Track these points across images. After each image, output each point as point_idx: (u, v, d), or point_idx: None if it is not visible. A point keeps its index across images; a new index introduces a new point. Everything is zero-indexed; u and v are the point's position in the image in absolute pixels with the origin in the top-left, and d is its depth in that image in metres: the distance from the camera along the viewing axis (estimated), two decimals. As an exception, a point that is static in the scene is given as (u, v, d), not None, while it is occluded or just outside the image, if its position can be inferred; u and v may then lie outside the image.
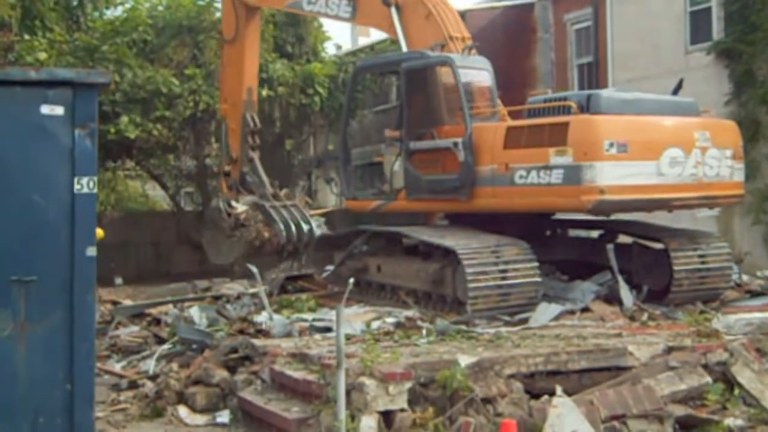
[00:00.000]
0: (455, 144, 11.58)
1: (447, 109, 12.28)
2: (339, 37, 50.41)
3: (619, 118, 10.84)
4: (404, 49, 13.35)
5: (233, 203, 15.28)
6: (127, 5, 24.65)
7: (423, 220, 13.57)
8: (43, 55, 20.52)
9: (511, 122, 11.80)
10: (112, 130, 20.73)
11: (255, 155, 15.64)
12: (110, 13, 24.71)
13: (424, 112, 12.47)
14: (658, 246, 12.03)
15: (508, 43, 24.18)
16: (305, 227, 14.86)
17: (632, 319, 10.73)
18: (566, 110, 11.05)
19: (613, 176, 10.47)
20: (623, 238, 12.82)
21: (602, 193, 10.43)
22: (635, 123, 10.89)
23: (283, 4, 15.93)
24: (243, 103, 15.55)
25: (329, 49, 28.99)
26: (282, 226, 14.85)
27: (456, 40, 13.04)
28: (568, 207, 11.24)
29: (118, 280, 22.04)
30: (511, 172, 11.06)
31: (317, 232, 14.63)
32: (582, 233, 14.22)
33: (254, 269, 12.01)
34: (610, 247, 11.84)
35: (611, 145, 10.45)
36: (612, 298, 11.46)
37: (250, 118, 15.49)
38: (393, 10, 13.74)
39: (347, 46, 35.25)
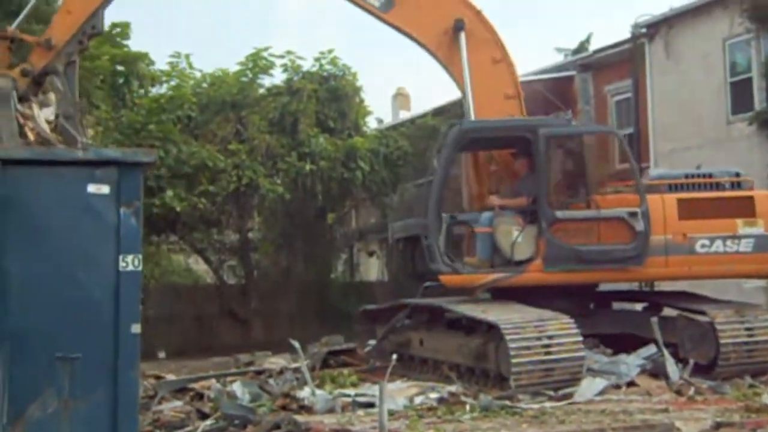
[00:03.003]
0: (632, 214, 11.77)
1: (598, 178, 12.54)
2: (380, 110, 50.85)
3: None
4: (465, 82, 12.77)
5: (34, 104, 10.78)
6: (172, 83, 25.08)
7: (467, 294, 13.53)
8: (90, 133, 20.87)
9: (681, 194, 12.27)
10: (157, 203, 20.94)
11: (78, 60, 12.12)
12: (155, 91, 25.15)
13: (570, 180, 12.51)
14: (704, 319, 11.87)
15: (547, 115, 24.26)
16: None
17: (679, 393, 10.56)
18: (720, 185, 12.41)
19: None
20: (668, 311, 12.68)
21: None
22: None
23: None
24: None
25: (371, 124, 29.25)
26: None
27: (521, 98, 13.07)
28: (759, 274, 12.37)
29: (161, 354, 22.11)
30: (690, 241, 11.94)
31: None
32: (626, 306, 14.09)
33: (296, 344, 12.00)
34: (654, 320, 11.72)
35: None
36: (658, 372, 11.30)
37: (102, 17, 12.29)
38: (462, 36, 12.87)
39: (388, 119, 35.62)
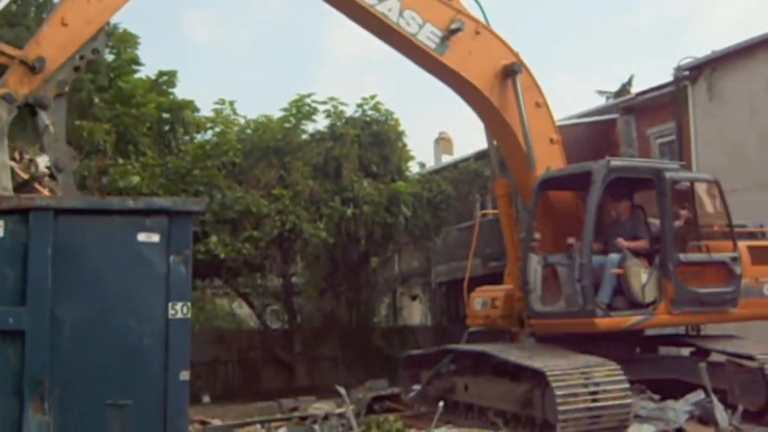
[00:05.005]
0: (734, 259, 12.40)
1: (703, 224, 12.74)
2: (422, 155, 51.05)
3: None
4: (524, 125, 12.73)
5: (38, 158, 9.08)
6: (217, 129, 25.36)
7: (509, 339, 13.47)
8: (136, 179, 21.12)
9: (749, 242, 12.91)
10: (202, 249, 21.06)
11: (66, 90, 9.32)
12: (200, 137, 25.44)
13: (686, 224, 12.72)
14: (753, 364, 11.73)
15: (591, 158, 24.19)
16: None
17: (728, 440, 10.43)
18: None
19: None
20: (716, 356, 12.55)
21: None
22: None
23: None
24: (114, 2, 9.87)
25: (413, 168, 29.33)
26: None
27: (561, 143, 13.10)
28: None
29: (206, 398, 22.21)
30: (760, 285, 12.70)
31: None
32: (673, 351, 13.96)
33: (342, 390, 12.01)
34: (702, 365, 11.58)
35: None
36: (706, 418, 11.14)
37: (105, 40, 10.45)
38: (518, 81, 12.78)
39: (431, 164, 35.71)
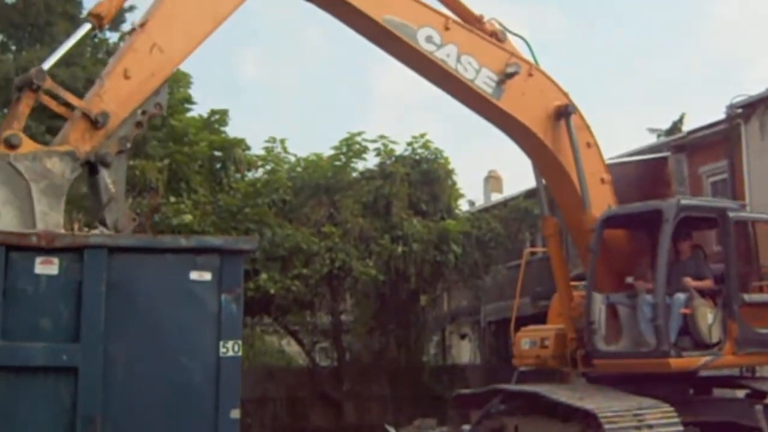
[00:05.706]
0: None
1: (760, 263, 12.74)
2: (472, 193, 50.99)
3: None
4: (579, 167, 12.55)
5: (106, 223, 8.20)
6: (268, 167, 25.56)
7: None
8: (188, 218, 21.31)
9: None
10: (252, 286, 21.17)
11: (128, 146, 8.69)
12: (251, 175, 25.65)
13: (746, 264, 12.63)
14: (812, 407, 11.52)
15: (642, 197, 23.95)
16: None
17: (786, 485, 10.21)
18: None
19: None
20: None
21: None
22: None
23: (381, 15, 11.27)
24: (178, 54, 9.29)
25: (463, 206, 29.31)
26: None
27: (611, 183, 13.03)
28: None
29: (254, 436, 22.24)
30: None
31: None
32: (727, 393, 13.72)
33: (391, 429, 12.00)
34: (759, 408, 11.41)
35: None
36: (763, 462, 10.96)
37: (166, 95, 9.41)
38: (572, 122, 12.63)
39: (480, 202, 35.65)
